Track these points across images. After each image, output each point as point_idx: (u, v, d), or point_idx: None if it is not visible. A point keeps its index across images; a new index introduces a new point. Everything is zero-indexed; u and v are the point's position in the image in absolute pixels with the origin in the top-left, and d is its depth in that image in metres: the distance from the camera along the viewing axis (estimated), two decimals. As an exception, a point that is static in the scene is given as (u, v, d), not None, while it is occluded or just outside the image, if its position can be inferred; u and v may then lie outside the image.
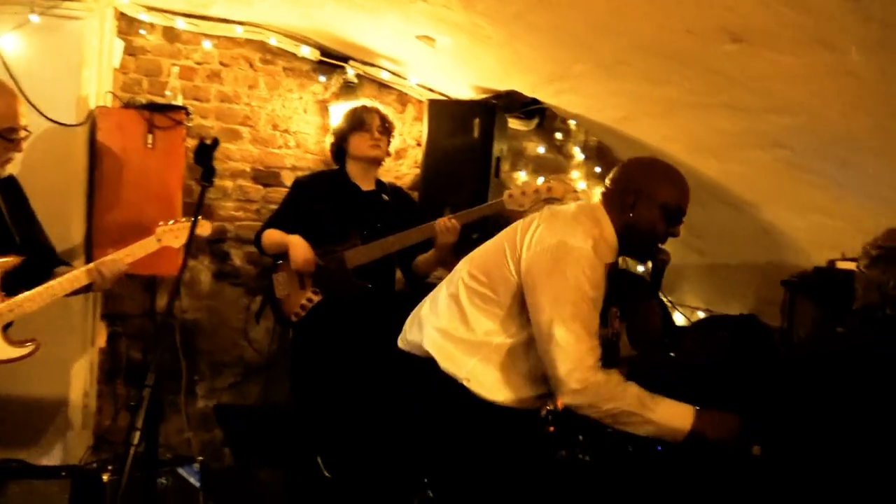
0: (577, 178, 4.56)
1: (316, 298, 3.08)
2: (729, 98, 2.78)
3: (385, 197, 3.30)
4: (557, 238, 2.06)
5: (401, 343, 2.38)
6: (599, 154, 4.51)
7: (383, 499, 3.12)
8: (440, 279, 3.68)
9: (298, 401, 3.18)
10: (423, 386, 2.21)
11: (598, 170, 4.54)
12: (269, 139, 4.16)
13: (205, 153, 1.90)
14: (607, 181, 2.22)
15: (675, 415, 1.98)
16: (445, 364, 2.17)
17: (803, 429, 1.77)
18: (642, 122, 3.41)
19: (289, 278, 3.14)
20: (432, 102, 4.16)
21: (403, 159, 4.38)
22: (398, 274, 3.36)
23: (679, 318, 3.99)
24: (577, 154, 4.53)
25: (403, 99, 4.37)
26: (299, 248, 3.04)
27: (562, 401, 2.01)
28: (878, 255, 1.90)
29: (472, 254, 2.37)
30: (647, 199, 2.12)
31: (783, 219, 3.26)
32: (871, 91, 2.35)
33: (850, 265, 2.58)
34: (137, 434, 1.82)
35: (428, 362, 2.19)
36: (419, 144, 4.28)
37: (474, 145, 3.97)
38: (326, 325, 3.11)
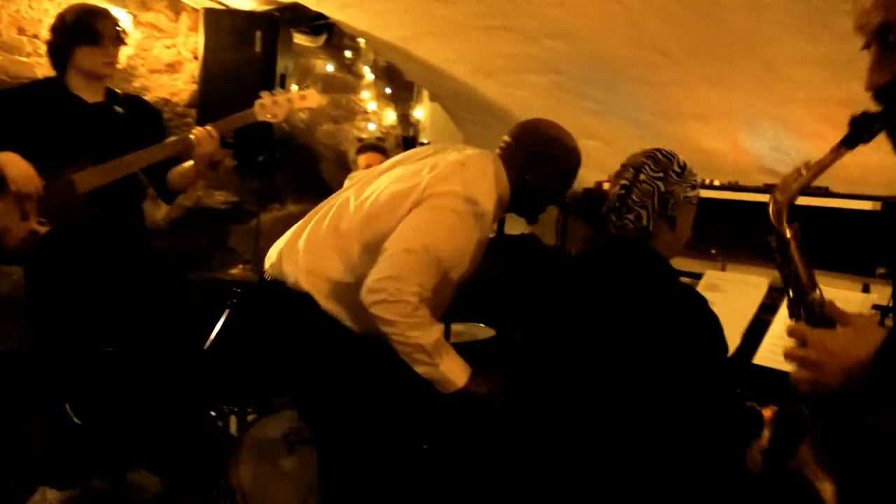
0: (368, 99, 4.47)
1: (42, 229, 2.66)
2: (507, 22, 2.80)
3: (117, 109, 2.87)
4: (468, 192, 2.02)
5: (271, 269, 2.23)
6: (389, 74, 4.44)
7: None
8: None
9: (38, 343, 2.83)
10: (300, 321, 2.12)
11: (388, 90, 4.48)
12: (15, 45, 3.62)
13: None
14: (508, 138, 2.20)
15: (455, 370, 2.02)
16: (325, 302, 2.09)
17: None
18: (427, 43, 3.36)
19: (6, 208, 2.68)
20: (208, 12, 3.83)
21: (179, 73, 4.03)
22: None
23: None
24: (367, 74, 4.43)
25: (176, 6, 3.98)
26: (15, 163, 2.54)
27: (370, 309, 1.96)
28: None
29: (359, 184, 2.23)
30: (551, 164, 2.14)
31: (559, 142, 3.41)
32: (636, 22, 2.47)
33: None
34: None
35: (304, 297, 2.10)
36: (196, 58, 3.95)
37: (256, 60, 3.73)
38: (60, 258, 2.76)
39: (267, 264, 2.27)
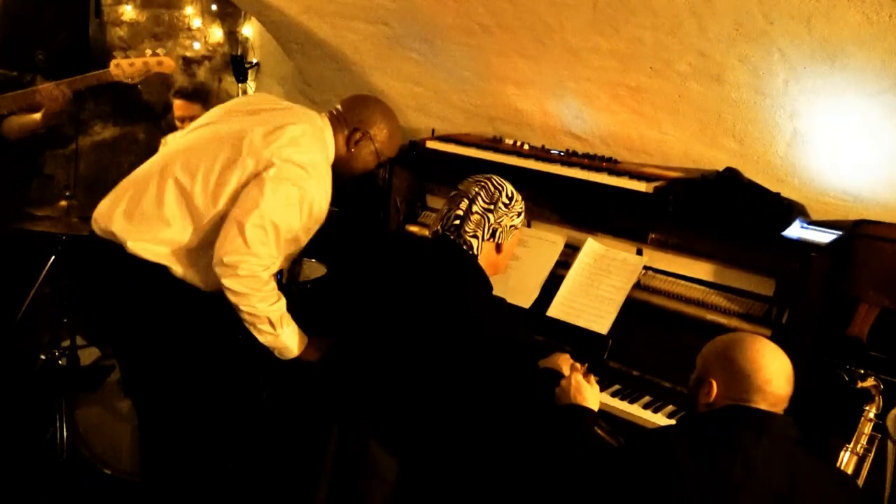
0: (192, 15, 4.28)
1: None
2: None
3: None
4: (310, 162, 2.11)
5: (100, 232, 2.20)
6: (215, -9, 4.26)
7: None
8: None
9: None
10: (155, 289, 2.16)
11: (213, 7, 4.31)
12: None
13: None
14: (340, 108, 2.31)
15: (294, 341, 2.19)
16: (179, 270, 2.15)
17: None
18: (255, -22, 3.31)
19: None
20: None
21: (-27, -18, 3.65)
22: None
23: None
24: (192, -12, 4.22)
25: None
26: None
27: (221, 279, 2.06)
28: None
29: (196, 138, 2.22)
30: (372, 142, 2.28)
31: (388, 84, 3.52)
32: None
33: (438, 144, 2.97)
34: None
35: (154, 266, 2.14)
36: (-7, -34, 3.59)
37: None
38: None
39: (95, 226, 2.24)
